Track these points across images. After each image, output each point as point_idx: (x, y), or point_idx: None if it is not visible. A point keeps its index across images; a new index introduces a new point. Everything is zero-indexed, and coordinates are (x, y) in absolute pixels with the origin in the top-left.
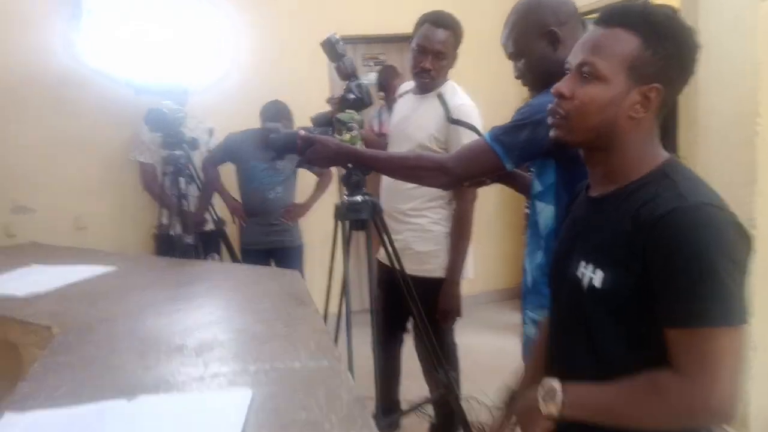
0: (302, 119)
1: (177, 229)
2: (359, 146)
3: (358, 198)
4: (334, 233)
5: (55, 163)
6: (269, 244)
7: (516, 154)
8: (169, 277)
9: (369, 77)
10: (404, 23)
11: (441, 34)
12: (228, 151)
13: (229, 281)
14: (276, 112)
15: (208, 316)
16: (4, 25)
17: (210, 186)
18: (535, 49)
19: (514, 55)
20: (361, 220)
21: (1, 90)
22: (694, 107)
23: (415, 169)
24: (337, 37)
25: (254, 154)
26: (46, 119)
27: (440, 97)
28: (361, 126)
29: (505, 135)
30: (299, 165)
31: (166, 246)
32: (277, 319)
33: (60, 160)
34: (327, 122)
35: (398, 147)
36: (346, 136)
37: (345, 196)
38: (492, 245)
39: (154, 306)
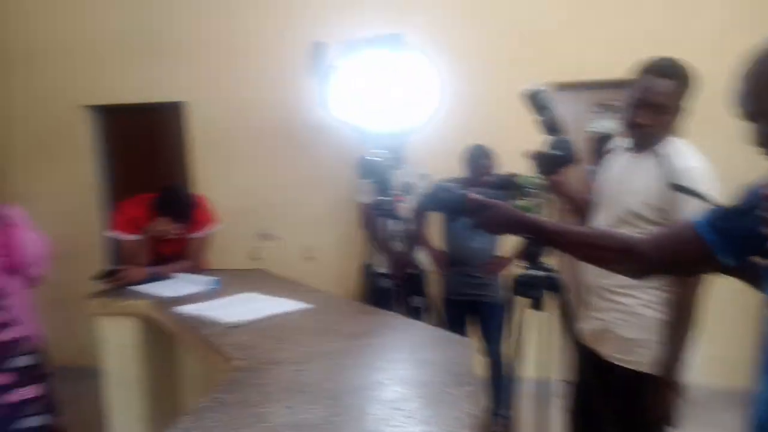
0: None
1: (382, 268)
2: (535, 214)
3: (535, 272)
4: (513, 306)
5: (295, 199)
6: (469, 297)
7: (735, 246)
8: (353, 324)
9: (602, 124)
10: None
11: (662, 84)
12: (432, 200)
13: (404, 340)
14: (477, 155)
15: (370, 375)
16: (264, 82)
17: (416, 232)
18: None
19: (753, 116)
20: (537, 298)
21: (260, 135)
22: None
23: (597, 249)
24: (543, 88)
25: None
26: (292, 160)
27: (660, 157)
28: (544, 191)
29: (722, 220)
30: (473, 227)
31: (371, 282)
32: (431, 393)
33: (299, 196)
34: (506, 184)
35: (603, 212)
36: (521, 202)
37: (524, 269)
38: (723, 335)
39: (326, 354)
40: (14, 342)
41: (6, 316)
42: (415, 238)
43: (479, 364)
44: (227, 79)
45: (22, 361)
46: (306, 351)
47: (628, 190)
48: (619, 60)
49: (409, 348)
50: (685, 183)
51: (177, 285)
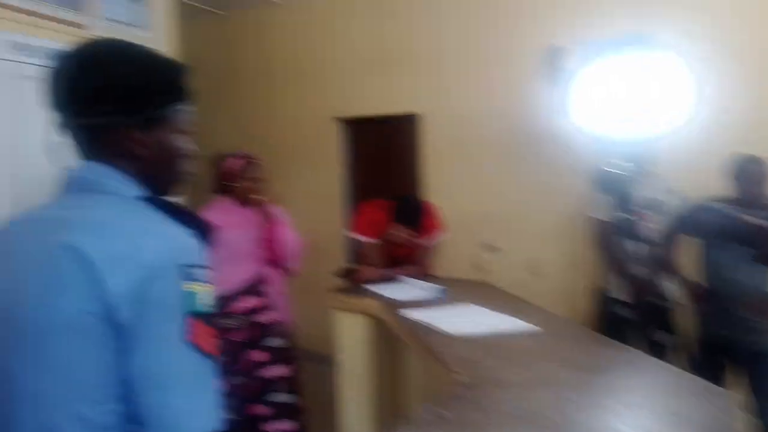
0: None
1: (617, 293)
2: None
3: None
4: None
5: (523, 210)
6: (732, 340)
7: None
8: (585, 354)
9: None
10: None
11: None
12: (690, 221)
13: (646, 383)
14: (750, 169)
15: (603, 417)
16: (496, 90)
17: (664, 257)
18: None
19: None
20: None
21: (490, 144)
22: None
23: None
24: None
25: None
26: (522, 170)
27: None
28: None
29: None
30: (757, 260)
31: (605, 309)
32: None
33: (527, 207)
34: None
35: None
36: None
37: None
38: None
39: (553, 383)
40: (271, 324)
41: (266, 300)
42: (663, 263)
43: (743, 425)
44: (460, 89)
45: (276, 342)
46: (531, 376)
47: None
48: None
49: (651, 393)
50: None
51: (406, 288)
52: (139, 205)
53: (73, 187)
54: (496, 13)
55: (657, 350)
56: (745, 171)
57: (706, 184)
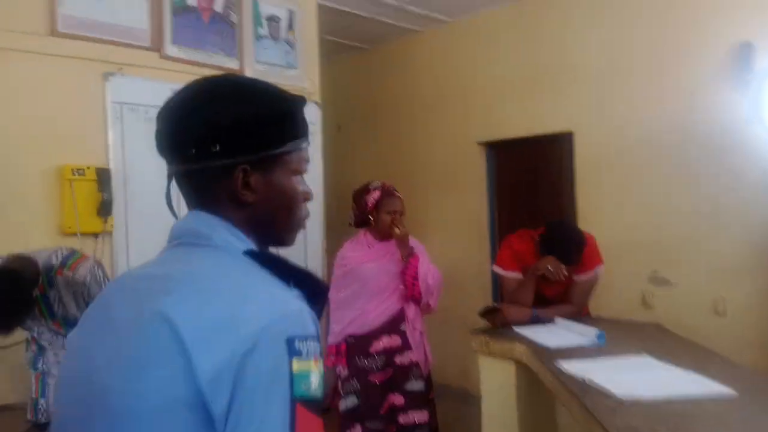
0: None
1: None
2: None
3: None
4: None
5: (700, 234)
6: None
7: None
8: None
9: None
10: None
11: None
12: None
13: None
14: None
15: None
16: (666, 98)
17: None
18: None
19: None
20: None
21: (653, 159)
22: None
23: None
24: None
25: None
26: (701, 186)
27: None
28: None
29: None
30: None
31: None
32: None
33: (706, 230)
34: None
35: None
36: None
37: None
38: None
39: None
40: (410, 365)
41: (404, 340)
42: None
43: None
44: (620, 103)
45: (415, 385)
46: None
47: None
48: None
49: None
50: None
51: (558, 333)
52: (246, 263)
53: (177, 240)
54: (667, 8)
55: None
56: None
57: None
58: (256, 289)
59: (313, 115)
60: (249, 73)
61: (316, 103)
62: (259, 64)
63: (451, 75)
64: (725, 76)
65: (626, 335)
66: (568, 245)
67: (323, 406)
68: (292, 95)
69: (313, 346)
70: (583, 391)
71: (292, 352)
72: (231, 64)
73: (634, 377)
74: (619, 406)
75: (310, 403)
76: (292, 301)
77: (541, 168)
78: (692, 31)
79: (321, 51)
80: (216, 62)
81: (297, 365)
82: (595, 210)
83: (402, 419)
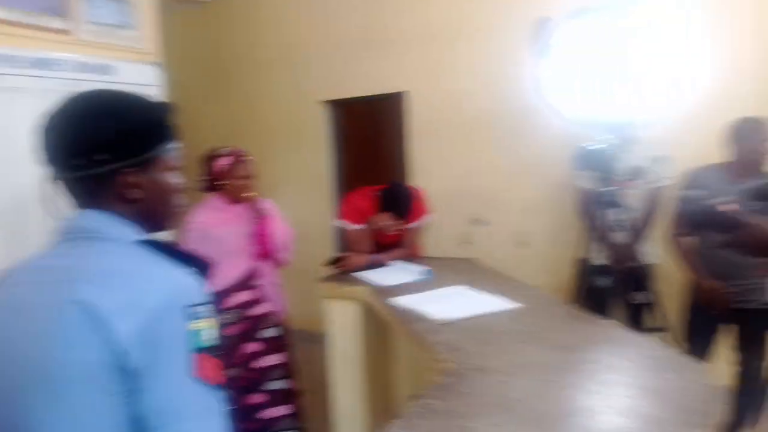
0: None
1: (598, 260)
2: None
3: None
4: None
5: (508, 183)
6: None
7: None
8: (566, 332)
9: None
10: None
11: None
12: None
13: (625, 359)
14: (751, 132)
15: (584, 399)
16: (482, 67)
17: (681, 248)
18: None
19: None
20: None
21: (474, 122)
22: None
23: None
24: None
25: (718, 193)
26: (508, 144)
27: None
28: None
29: None
30: (723, 246)
31: (587, 278)
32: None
33: (513, 181)
34: (763, 195)
35: None
36: None
37: None
38: None
39: (536, 366)
40: (264, 316)
41: (258, 293)
42: (643, 229)
43: (728, 375)
44: (446, 65)
45: (270, 332)
46: (514, 360)
47: None
48: None
49: (631, 370)
50: None
51: (393, 273)
52: (139, 250)
53: (73, 235)
54: None
55: (636, 311)
56: (743, 134)
57: (699, 149)
58: (154, 270)
59: (153, 77)
60: (80, 34)
61: (156, 64)
62: (91, 25)
63: (293, 32)
64: (528, 47)
65: (449, 270)
66: (399, 204)
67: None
68: (158, 104)
69: (203, 309)
70: (411, 320)
71: (188, 316)
72: (58, 25)
73: (451, 304)
74: (438, 328)
75: (205, 350)
76: (183, 277)
77: (380, 126)
78: (503, 5)
79: (160, 7)
80: (42, 23)
81: (192, 326)
82: (427, 164)
83: (260, 363)
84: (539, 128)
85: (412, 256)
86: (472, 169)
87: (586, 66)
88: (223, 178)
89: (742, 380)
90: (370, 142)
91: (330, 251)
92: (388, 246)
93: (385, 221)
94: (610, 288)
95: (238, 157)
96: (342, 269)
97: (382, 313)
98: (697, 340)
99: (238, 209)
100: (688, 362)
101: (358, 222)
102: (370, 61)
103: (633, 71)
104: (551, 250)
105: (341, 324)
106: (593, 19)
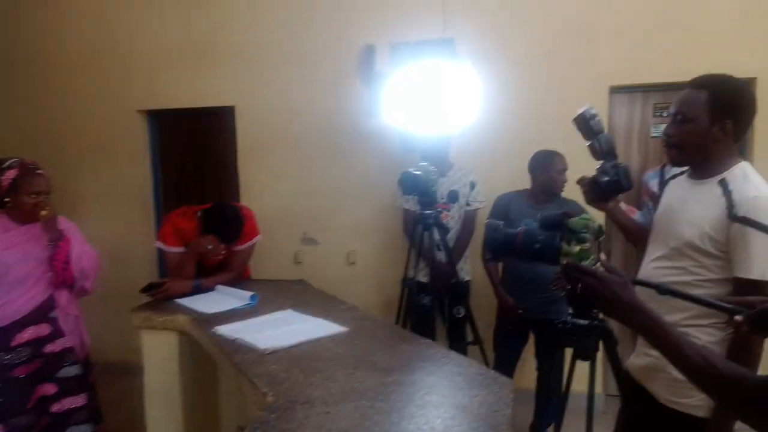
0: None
1: (424, 278)
2: (592, 263)
3: (584, 322)
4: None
5: (338, 204)
6: (532, 314)
7: None
8: (388, 354)
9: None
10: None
11: (692, 94)
12: (497, 216)
13: (441, 378)
14: (545, 163)
15: (401, 424)
16: (313, 88)
17: (487, 270)
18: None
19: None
20: (584, 349)
21: (306, 141)
22: None
23: (712, 386)
24: (593, 111)
25: (521, 216)
26: (337, 166)
27: (722, 183)
28: (598, 235)
29: None
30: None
31: (411, 296)
32: None
33: (344, 201)
34: (555, 224)
35: (660, 244)
36: (575, 249)
37: (570, 316)
38: None
39: (358, 393)
40: (62, 352)
41: (54, 327)
42: (464, 248)
43: (532, 379)
44: (277, 82)
45: (69, 371)
46: (339, 388)
47: (687, 221)
48: (679, 63)
49: (444, 389)
50: (750, 214)
51: (217, 299)
52: None
53: None
54: (312, 7)
55: (457, 326)
56: (541, 165)
57: (504, 174)
58: None
59: None
60: None
61: None
62: None
63: (105, 36)
64: (356, 73)
65: (277, 293)
66: (225, 227)
67: None
68: None
69: None
70: (234, 350)
71: None
72: None
73: (278, 331)
74: (261, 358)
75: None
76: None
77: (206, 140)
78: (330, 32)
79: None
80: None
81: None
82: (257, 182)
83: (55, 408)
84: (369, 151)
85: (239, 280)
86: (303, 189)
87: (409, 93)
88: (10, 194)
89: (543, 386)
90: (197, 157)
91: (151, 275)
92: (212, 269)
93: (209, 244)
94: (432, 305)
95: (27, 170)
96: (160, 296)
97: (203, 343)
98: (503, 350)
99: (29, 230)
100: (495, 377)
101: (178, 244)
102: (196, 72)
103: (448, 100)
104: (380, 268)
105: (158, 357)
106: (414, 51)
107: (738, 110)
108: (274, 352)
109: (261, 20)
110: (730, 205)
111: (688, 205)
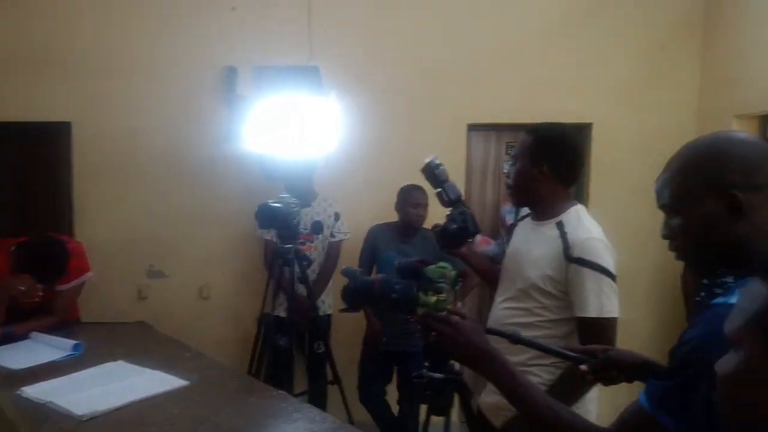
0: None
1: (281, 312)
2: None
3: (438, 375)
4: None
5: (191, 233)
6: (397, 347)
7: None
8: (234, 411)
9: None
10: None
11: (521, 138)
12: (370, 248)
13: None
14: (403, 197)
15: None
16: (163, 108)
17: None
18: (702, 211)
19: (667, 209)
20: (438, 403)
21: (162, 164)
22: None
23: None
24: (437, 161)
25: (387, 248)
26: (191, 194)
27: (560, 226)
28: (454, 284)
29: (669, 396)
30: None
31: (267, 327)
32: None
33: (196, 230)
34: (412, 272)
35: (509, 285)
36: (432, 299)
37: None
38: None
39: None
40: None
41: None
42: (326, 281)
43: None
44: (123, 99)
45: None
46: None
47: (530, 262)
48: (526, 106)
49: None
50: (583, 254)
51: (31, 350)
52: None
53: None
54: (170, 19)
55: (316, 361)
56: (400, 199)
57: (369, 206)
58: None
59: None
60: None
61: None
62: None
63: None
64: (214, 95)
65: (109, 339)
66: (45, 265)
67: None
68: None
69: None
70: (42, 417)
71: None
72: None
73: (102, 389)
74: (76, 427)
75: None
76: None
77: (35, 160)
78: (187, 48)
79: None
80: None
81: None
82: (94, 208)
83: None
84: (227, 177)
85: (64, 325)
86: (149, 216)
87: (271, 119)
88: None
89: (404, 418)
90: (23, 179)
91: None
92: (28, 313)
93: (22, 285)
94: (290, 345)
95: None
96: None
97: (6, 410)
98: (369, 380)
99: None
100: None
101: None
102: (28, 81)
103: (310, 129)
104: (237, 302)
105: None
106: (278, 77)
107: (554, 154)
108: (94, 418)
109: (108, 28)
110: (566, 247)
111: (530, 246)
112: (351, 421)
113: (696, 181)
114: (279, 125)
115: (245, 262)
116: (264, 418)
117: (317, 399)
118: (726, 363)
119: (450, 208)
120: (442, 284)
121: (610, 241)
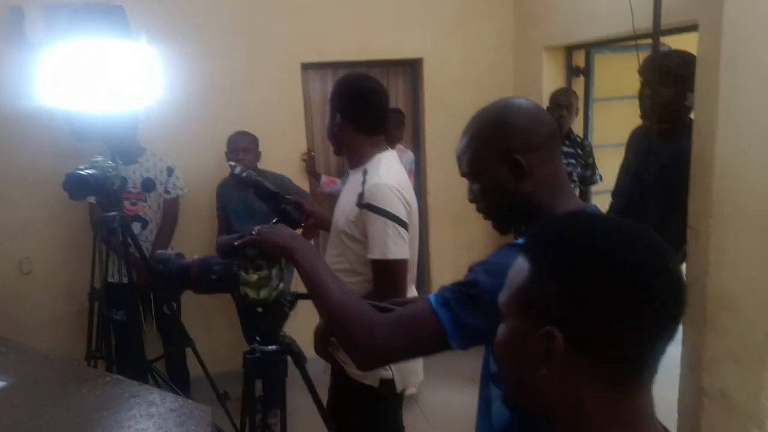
0: (272, 152)
1: (117, 277)
2: (272, 293)
3: (271, 347)
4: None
5: (10, 201)
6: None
7: (467, 332)
8: (62, 408)
9: None
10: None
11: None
12: (221, 207)
13: (126, 424)
14: (229, 144)
15: None
16: None
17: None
18: (494, 176)
19: (468, 176)
20: (275, 376)
21: None
22: None
23: (341, 320)
24: (239, 168)
25: (229, 201)
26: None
27: (364, 173)
28: (275, 261)
29: (456, 301)
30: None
31: (103, 296)
32: None
33: (8, 196)
34: (232, 251)
35: (332, 232)
36: (253, 277)
37: (256, 345)
38: None
39: None
40: None
41: None
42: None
43: None
44: None
45: None
46: None
47: (339, 208)
48: (357, 43)
49: None
50: (372, 200)
51: None
52: None
53: None
54: None
55: (167, 325)
56: (229, 148)
57: (203, 156)
58: None
59: None
60: None
61: None
62: None
63: None
64: (2, 41)
65: None
66: None
67: None
68: None
69: None
70: None
71: None
72: None
73: None
74: None
75: None
76: None
77: None
78: None
79: None
80: None
81: None
82: None
83: None
84: (36, 137)
85: None
86: None
87: (72, 70)
88: None
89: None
90: None
91: None
92: None
93: None
94: (132, 317)
95: None
96: None
97: None
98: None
99: None
100: (192, 409)
101: None
102: None
103: (120, 79)
104: (67, 273)
105: None
106: (74, 19)
107: (346, 104)
108: None
109: None
110: (361, 193)
111: (344, 194)
112: (211, 382)
113: (485, 152)
114: (80, 75)
115: (70, 229)
116: (96, 411)
117: (177, 361)
118: (500, 331)
119: (271, 203)
120: (261, 262)
121: (445, 174)
